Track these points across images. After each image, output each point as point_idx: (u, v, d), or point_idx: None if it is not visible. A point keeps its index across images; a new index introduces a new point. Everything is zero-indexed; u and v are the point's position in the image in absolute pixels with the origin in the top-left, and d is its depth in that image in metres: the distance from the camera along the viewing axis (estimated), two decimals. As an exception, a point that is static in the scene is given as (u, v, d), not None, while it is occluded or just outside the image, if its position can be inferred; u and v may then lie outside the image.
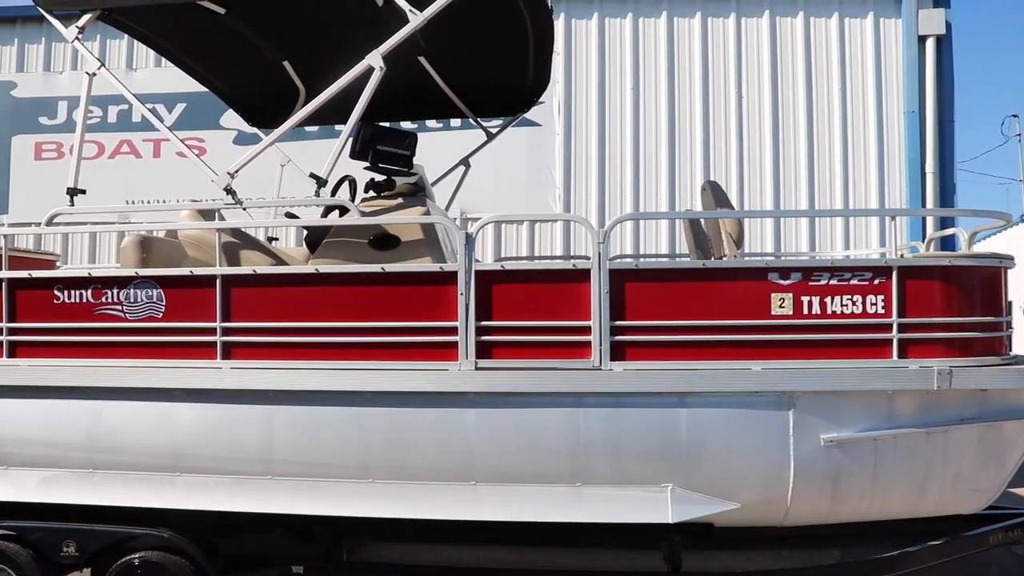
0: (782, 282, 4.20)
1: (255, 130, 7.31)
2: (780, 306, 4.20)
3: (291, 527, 4.78)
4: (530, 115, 7.02)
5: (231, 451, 4.46)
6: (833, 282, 4.19)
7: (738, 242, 5.10)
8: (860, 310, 4.19)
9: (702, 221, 5.94)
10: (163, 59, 10.73)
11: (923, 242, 7.59)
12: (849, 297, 4.19)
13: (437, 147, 6.91)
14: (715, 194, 5.45)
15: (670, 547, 4.61)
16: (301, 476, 4.41)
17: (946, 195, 9.81)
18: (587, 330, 4.21)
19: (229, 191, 4.65)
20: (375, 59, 4.54)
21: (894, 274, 4.15)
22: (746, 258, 7.18)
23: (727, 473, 4.21)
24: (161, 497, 4.57)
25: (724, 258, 5.14)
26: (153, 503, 4.58)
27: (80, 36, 5.05)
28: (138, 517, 4.65)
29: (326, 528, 4.70)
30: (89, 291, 4.68)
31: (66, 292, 4.71)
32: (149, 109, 5.22)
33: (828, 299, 4.19)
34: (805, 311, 4.19)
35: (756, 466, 4.20)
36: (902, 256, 4.62)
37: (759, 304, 4.20)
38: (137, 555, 4.63)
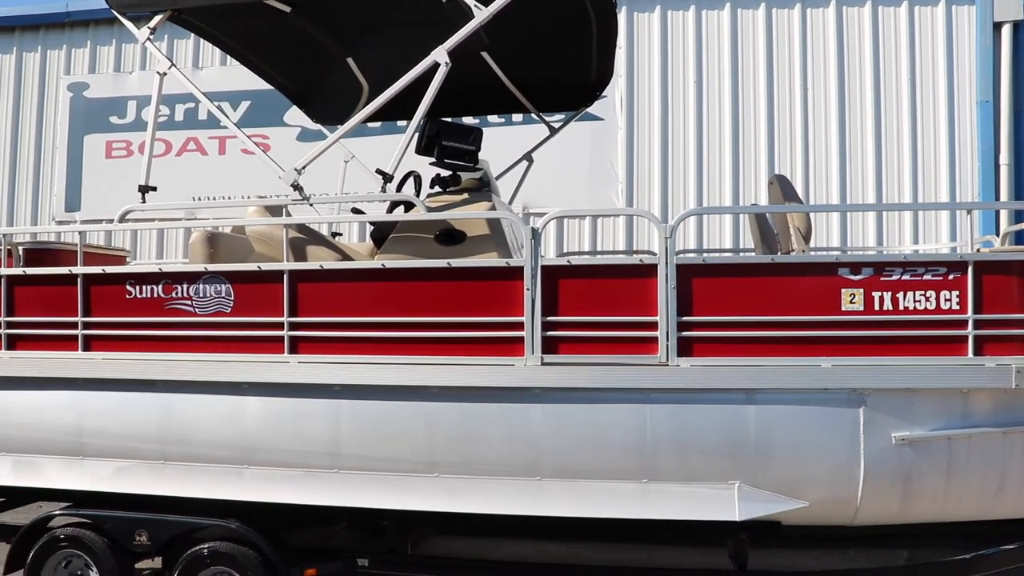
0: (853, 277, 4.12)
1: (319, 126, 7.40)
2: (850, 301, 4.12)
3: (356, 520, 4.84)
4: (592, 109, 7.01)
5: (299, 444, 4.51)
6: (905, 277, 4.10)
7: (806, 237, 5.01)
8: (934, 306, 4.08)
9: (769, 215, 5.85)
10: (228, 58, 10.94)
11: (997, 236, 7.38)
12: (922, 292, 4.09)
13: (499, 142, 6.89)
14: (783, 188, 5.35)
15: (736, 545, 4.55)
16: (368, 470, 4.44)
17: (1021, 188, 9.51)
18: (654, 326, 4.17)
19: (296, 187, 4.71)
20: (440, 55, 4.54)
21: (970, 269, 4.04)
22: (814, 253, 7.06)
23: (795, 471, 4.14)
24: (230, 489, 4.64)
25: (792, 253, 5.06)
26: (222, 495, 4.66)
27: (151, 37, 5.15)
28: (207, 508, 4.74)
29: (392, 522, 4.73)
30: (160, 286, 4.77)
31: (138, 287, 4.82)
32: (216, 107, 5.30)
33: (900, 294, 4.09)
34: (876, 307, 4.10)
35: (825, 464, 4.12)
36: (978, 251, 4.49)
37: (829, 299, 4.13)
38: (206, 545, 4.71)
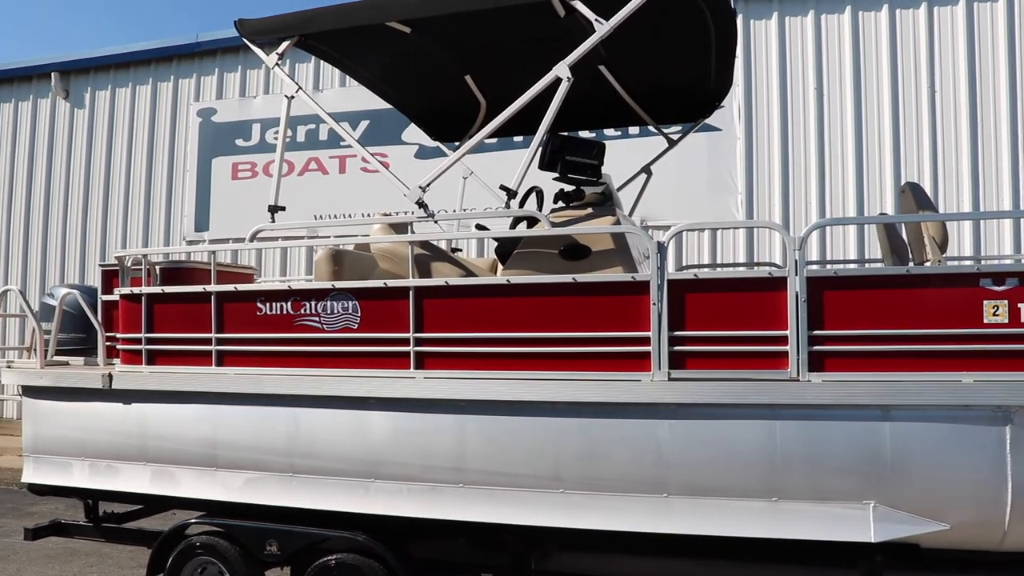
0: (996, 288, 3.91)
1: (436, 144, 7.50)
2: (994, 313, 3.91)
3: (478, 534, 4.83)
4: (709, 120, 6.88)
5: (424, 459, 4.55)
6: None
7: (942, 246, 4.80)
8: (1087, 317, 3.85)
9: (900, 225, 5.64)
10: (347, 79, 11.26)
11: None
12: (1074, 303, 3.86)
13: (615, 155, 6.86)
14: (916, 196, 5.14)
15: (870, 567, 4.35)
16: (492, 485, 4.45)
17: None
18: (784, 340, 4.06)
19: (421, 204, 4.77)
20: (562, 70, 4.52)
21: None
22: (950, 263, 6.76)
23: (935, 491, 3.95)
24: (357, 502, 4.72)
25: (926, 263, 4.86)
26: (349, 507, 4.73)
27: (279, 62, 5.32)
28: (333, 519, 4.82)
29: (515, 537, 4.71)
30: (289, 303, 4.90)
31: (268, 304, 4.95)
32: (341, 127, 5.42)
33: (1050, 306, 3.87)
34: (1023, 319, 3.88)
35: (968, 485, 3.91)
36: None
37: (970, 312, 3.93)
38: (333, 556, 4.80)
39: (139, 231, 13.09)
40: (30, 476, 5.65)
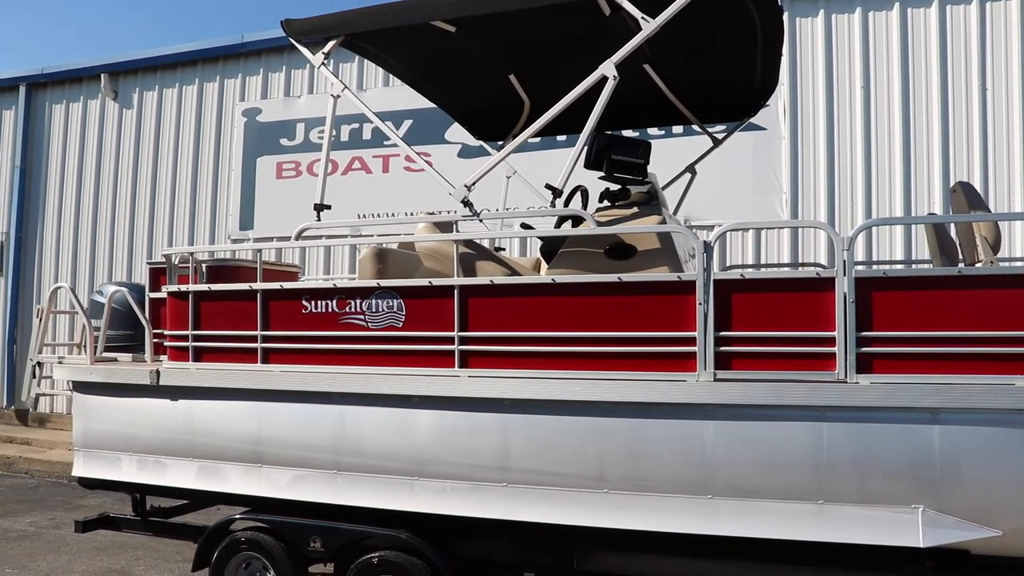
0: None
1: (480, 143, 7.50)
2: None
3: (521, 533, 4.83)
4: (754, 119, 6.81)
5: (468, 458, 4.56)
6: None
7: (995, 247, 4.72)
8: None
9: (950, 225, 5.54)
10: (390, 78, 11.30)
11: None
12: None
13: (659, 154, 6.83)
14: (968, 196, 5.06)
15: (917, 573, 4.29)
16: (537, 484, 4.44)
17: None
18: (831, 341, 4.01)
19: (467, 203, 4.78)
20: (608, 69, 4.50)
21: None
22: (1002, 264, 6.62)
23: (986, 497, 3.87)
24: (400, 500, 4.73)
25: (978, 264, 4.77)
26: (393, 505, 4.75)
27: (325, 62, 5.36)
28: (376, 517, 4.84)
29: (558, 536, 4.71)
30: (334, 301, 4.93)
31: (313, 302, 4.99)
32: (388, 126, 5.44)
33: (1106, 308, 3.78)
34: (1078, 321, 3.80)
35: (1021, 490, 3.83)
36: None
37: (1023, 314, 3.85)
38: (377, 554, 4.83)
39: (185, 230, 13.25)
40: (80, 470, 5.75)
